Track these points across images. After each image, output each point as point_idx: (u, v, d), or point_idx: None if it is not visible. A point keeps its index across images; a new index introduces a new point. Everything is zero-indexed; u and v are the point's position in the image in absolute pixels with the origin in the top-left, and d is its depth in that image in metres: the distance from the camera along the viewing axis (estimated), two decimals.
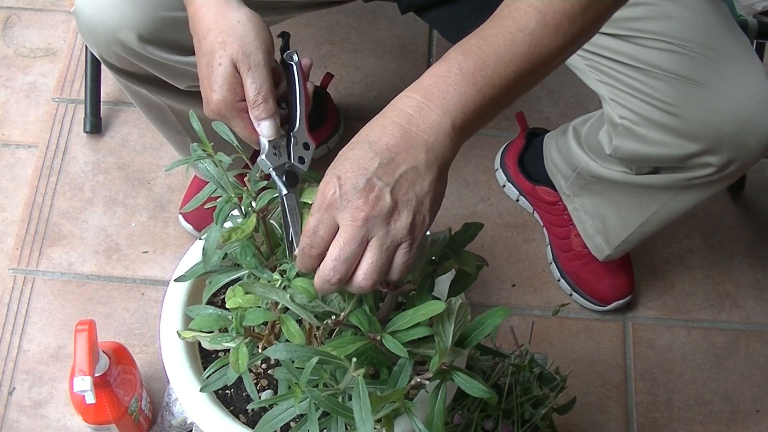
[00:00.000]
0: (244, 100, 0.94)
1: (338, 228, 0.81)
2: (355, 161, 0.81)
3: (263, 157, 0.94)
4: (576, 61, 1.25)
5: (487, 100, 0.84)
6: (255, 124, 0.94)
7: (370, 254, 0.80)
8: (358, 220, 0.79)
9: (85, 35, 1.24)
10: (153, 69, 1.25)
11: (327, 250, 0.81)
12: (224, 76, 0.93)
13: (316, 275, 0.82)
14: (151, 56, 1.21)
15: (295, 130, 0.95)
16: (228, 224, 0.95)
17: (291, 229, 0.92)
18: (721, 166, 1.19)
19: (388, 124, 0.82)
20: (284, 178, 0.93)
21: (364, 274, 0.81)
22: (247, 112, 0.94)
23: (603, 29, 1.17)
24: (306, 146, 0.95)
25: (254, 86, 0.93)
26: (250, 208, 0.94)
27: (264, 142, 0.94)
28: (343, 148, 0.83)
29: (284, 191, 0.92)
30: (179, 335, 0.99)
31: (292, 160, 0.94)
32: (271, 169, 0.93)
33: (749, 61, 1.16)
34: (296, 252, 0.84)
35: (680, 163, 1.23)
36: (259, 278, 0.95)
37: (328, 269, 0.80)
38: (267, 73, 0.95)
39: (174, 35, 1.20)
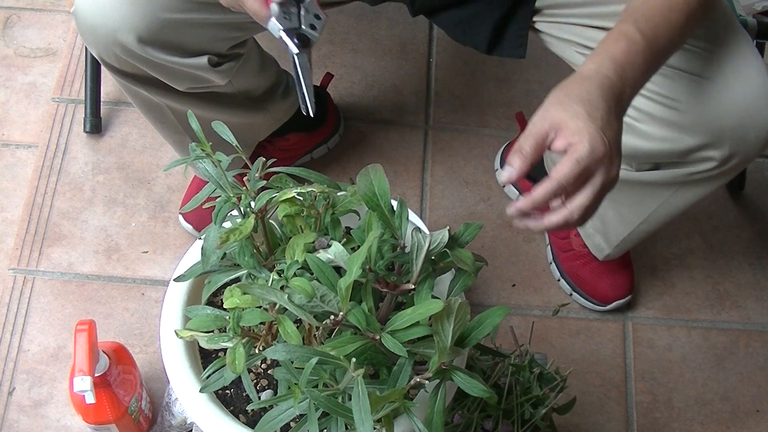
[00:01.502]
0: None
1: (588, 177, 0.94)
2: (610, 126, 0.94)
3: (273, 19, 0.95)
4: (576, 59, 1.25)
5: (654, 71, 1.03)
6: None
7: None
8: (611, 175, 0.95)
9: (84, 36, 1.24)
10: (152, 70, 1.25)
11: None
12: None
13: (564, 214, 0.95)
14: (151, 58, 1.21)
15: (305, 1, 0.97)
16: (227, 224, 0.95)
17: (303, 88, 0.95)
18: (722, 160, 1.19)
19: (609, 98, 0.95)
20: (295, 40, 0.95)
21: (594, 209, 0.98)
22: None
23: (606, 25, 1.18)
24: (317, 17, 0.97)
25: None
26: (249, 209, 0.94)
27: (274, 8, 0.95)
28: (579, 103, 0.93)
29: (295, 50, 0.94)
30: (177, 334, 0.99)
31: (303, 26, 0.96)
32: (281, 30, 0.95)
33: (750, 55, 1.17)
34: (546, 186, 0.93)
35: (681, 158, 1.23)
36: (257, 278, 0.95)
37: (577, 211, 0.95)
38: None
39: (174, 37, 1.20)
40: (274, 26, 0.96)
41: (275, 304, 0.90)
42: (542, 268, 1.68)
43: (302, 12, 0.96)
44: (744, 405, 1.58)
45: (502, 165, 1.74)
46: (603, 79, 0.95)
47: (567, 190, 0.93)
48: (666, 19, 1.00)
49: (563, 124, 0.92)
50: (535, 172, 1.65)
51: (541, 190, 0.93)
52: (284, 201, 0.96)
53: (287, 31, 0.95)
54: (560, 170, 0.92)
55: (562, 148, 0.93)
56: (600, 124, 0.92)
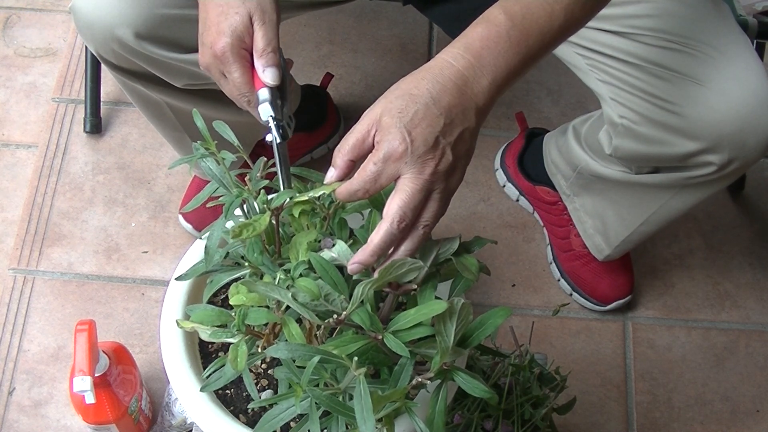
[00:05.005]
0: (248, 50, 1.01)
1: (397, 178, 0.87)
2: (423, 118, 0.86)
3: (267, 104, 1.00)
4: (577, 61, 1.25)
5: (523, 68, 0.91)
6: (260, 71, 1.00)
7: (434, 204, 0.88)
8: (425, 174, 0.86)
9: (82, 32, 1.24)
10: (150, 66, 1.25)
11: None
12: (237, 24, 1.00)
13: (383, 221, 0.86)
14: (148, 53, 1.21)
15: (285, 106, 1.03)
16: (230, 224, 0.95)
17: (282, 174, 1.00)
18: (721, 164, 1.19)
19: (446, 83, 0.87)
20: (280, 130, 1.00)
21: (428, 221, 0.88)
22: (248, 60, 1.01)
23: (605, 27, 1.17)
24: (291, 118, 1.04)
25: (266, 38, 1.00)
26: (265, 206, 0.94)
27: (264, 94, 1.00)
28: (400, 97, 0.87)
29: (278, 140, 1.00)
30: (178, 324, 0.98)
31: (284, 121, 1.02)
32: (270, 116, 1.00)
33: (749, 60, 1.16)
34: (341, 187, 0.90)
35: (680, 162, 1.23)
36: (263, 275, 0.95)
37: (396, 215, 0.86)
38: (277, 31, 1.01)
39: (171, 33, 1.20)
40: (266, 109, 1.00)
41: (280, 303, 0.89)
42: (542, 268, 1.68)
43: (285, 108, 1.02)
44: (744, 405, 1.58)
45: (502, 165, 1.74)
46: (444, 69, 0.88)
47: (369, 192, 0.88)
48: (541, 2, 0.91)
49: (380, 120, 0.87)
50: (535, 172, 1.67)
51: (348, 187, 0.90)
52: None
53: (274, 119, 1.00)
54: (361, 171, 0.88)
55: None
56: (407, 122, 0.85)
